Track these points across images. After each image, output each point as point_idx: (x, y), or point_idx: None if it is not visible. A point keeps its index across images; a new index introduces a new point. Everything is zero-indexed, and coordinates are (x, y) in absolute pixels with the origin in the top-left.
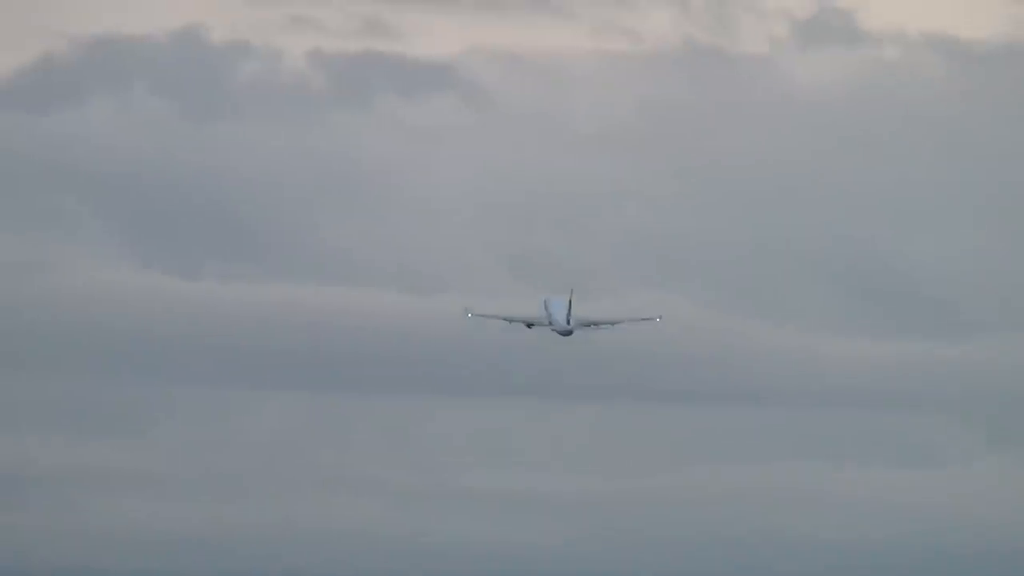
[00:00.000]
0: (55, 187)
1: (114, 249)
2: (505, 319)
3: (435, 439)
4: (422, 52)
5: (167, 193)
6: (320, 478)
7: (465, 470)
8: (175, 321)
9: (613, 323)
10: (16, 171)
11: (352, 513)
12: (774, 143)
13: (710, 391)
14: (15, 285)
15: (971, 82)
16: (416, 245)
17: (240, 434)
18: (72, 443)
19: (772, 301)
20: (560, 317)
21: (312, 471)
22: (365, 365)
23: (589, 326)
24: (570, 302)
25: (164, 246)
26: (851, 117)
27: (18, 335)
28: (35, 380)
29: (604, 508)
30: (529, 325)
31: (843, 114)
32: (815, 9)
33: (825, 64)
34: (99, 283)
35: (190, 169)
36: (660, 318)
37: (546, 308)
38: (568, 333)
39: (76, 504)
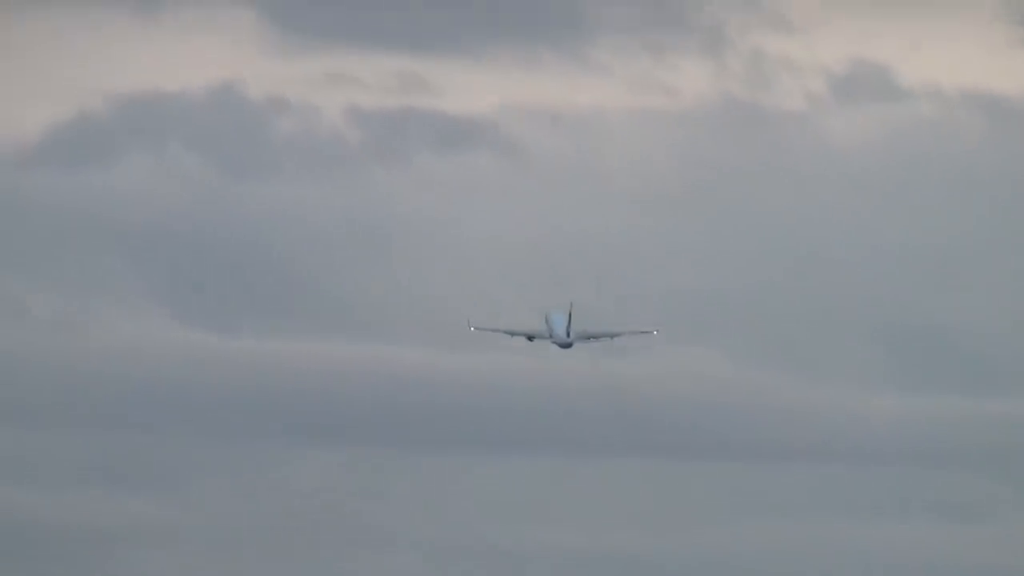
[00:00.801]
0: (91, 243)
1: (150, 305)
2: (507, 332)
3: (470, 495)
4: (459, 108)
5: (203, 249)
6: (355, 534)
7: (498, 526)
8: (211, 377)
9: (612, 336)
10: (52, 227)
11: (386, 569)
12: (811, 199)
13: (747, 447)
14: (52, 341)
15: (1008, 138)
16: (453, 300)
17: (276, 490)
18: (110, 498)
19: (809, 357)
20: (560, 330)
21: (348, 527)
22: (401, 420)
23: (588, 339)
24: (570, 315)
25: (200, 302)
26: (888, 173)
27: (55, 390)
28: (72, 436)
29: (642, 565)
30: (530, 338)
31: (880, 170)
32: (851, 65)
33: (861, 120)
34: (135, 339)
35: (227, 225)
36: (657, 331)
37: (547, 322)
38: (568, 346)
39: (114, 558)
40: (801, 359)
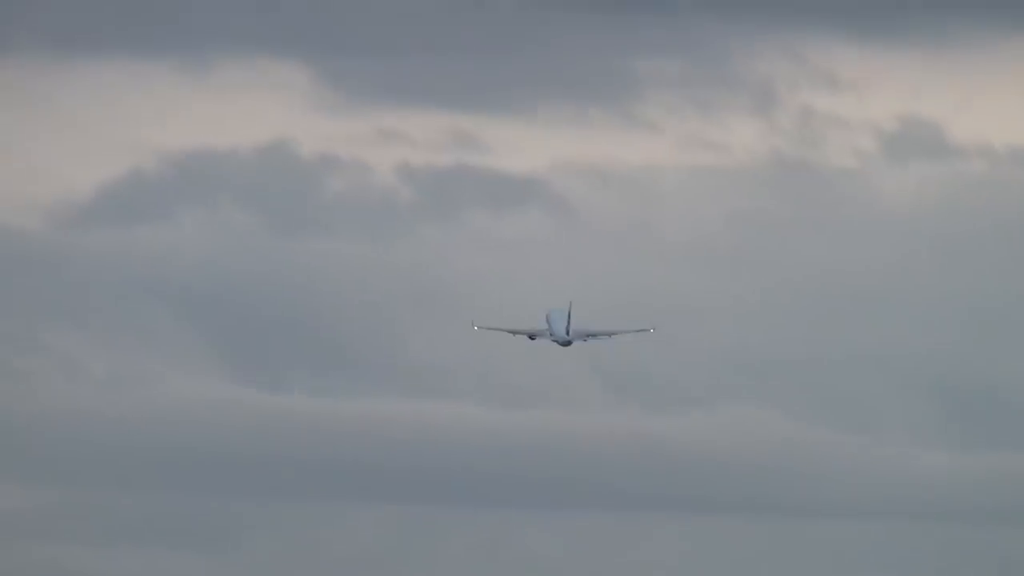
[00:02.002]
0: (143, 301)
1: (201, 363)
2: (509, 331)
3: (521, 552)
4: (509, 165)
5: (255, 307)
6: None
7: None
8: (263, 435)
9: (610, 334)
10: (104, 285)
11: None
12: (862, 256)
13: (800, 504)
14: (103, 399)
15: None
16: (505, 359)
17: (328, 548)
18: (162, 557)
19: (861, 414)
20: (560, 329)
21: None
22: (452, 479)
23: (587, 338)
24: (569, 314)
25: (252, 360)
26: (938, 230)
27: (107, 448)
28: (124, 494)
29: None
30: (532, 337)
31: (930, 227)
32: (901, 122)
33: (912, 177)
34: (186, 397)
35: (278, 283)
36: (653, 330)
37: (547, 321)
38: (567, 343)
39: None
40: (853, 416)
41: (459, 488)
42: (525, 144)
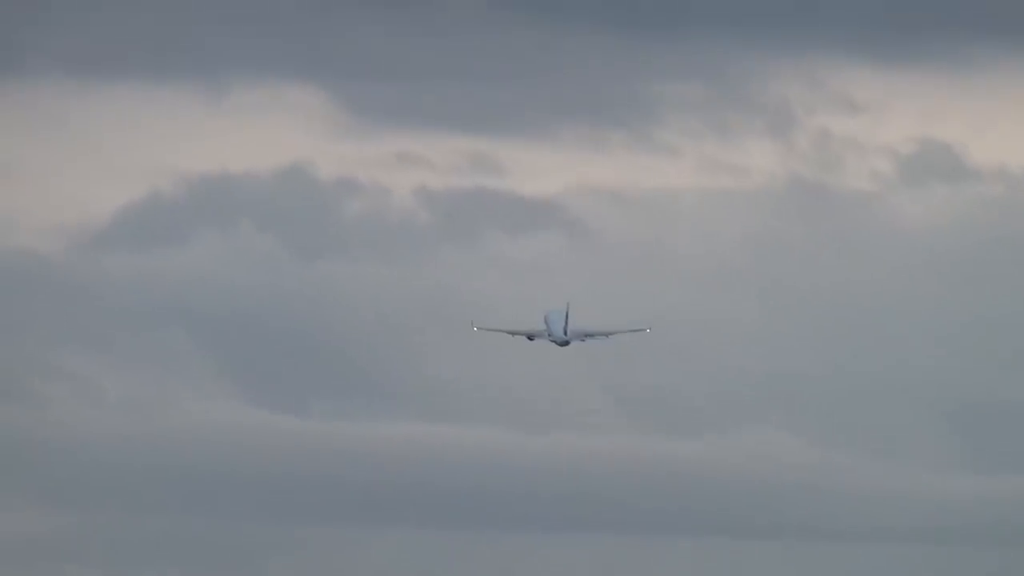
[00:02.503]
0: (162, 325)
1: (222, 387)
2: (509, 332)
3: (541, 574)
4: (527, 188)
5: (274, 330)
6: None
7: None
8: (284, 458)
9: (607, 334)
10: (122, 309)
11: None
12: (879, 279)
13: (817, 528)
14: (123, 424)
15: None
16: (524, 381)
17: (351, 572)
18: None
19: (879, 438)
20: (557, 329)
21: None
22: (475, 502)
23: (584, 338)
24: (567, 315)
25: (270, 383)
26: (956, 252)
27: (128, 473)
28: (145, 518)
29: None
30: (530, 337)
31: (948, 250)
32: (918, 145)
33: (929, 200)
34: (207, 421)
35: (297, 306)
36: (649, 329)
37: (546, 322)
38: (565, 343)
39: None
40: (870, 440)
41: (477, 510)
42: (543, 167)
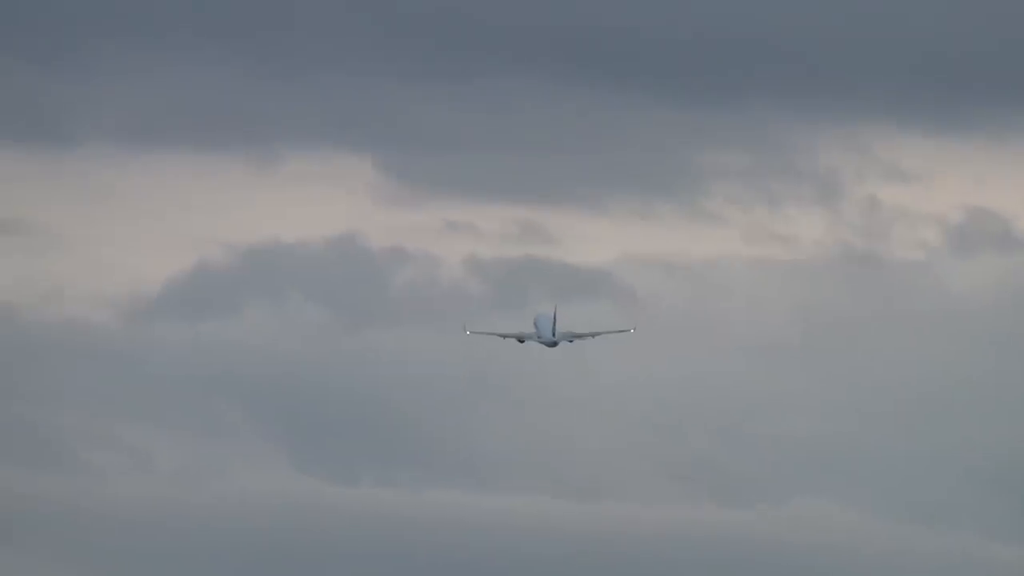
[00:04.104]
0: (211, 394)
1: (271, 455)
2: (500, 335)
3: None
4: (577, 258)
5: (324, 399)
6: None
7: None
8: (333, 526)
9: (593, 335)
10: (172, 379)
11: None
12: (929, 349)
13: None
14: (172, 492)
15: None
16: (573, 451)
17: None
18: None
19: (930, 506)
20: (546, 331)
21: None
22: (524, 570)
23: (572, 339)
24: (554, 318)
25: (321, 452)
26: (1006, 322)
27: (179, 542)
28: None
29: None
30: (521, 340)
31: (997, 319)
32: (967, 214)
33: (978, 269)
34: (256, 489)
35: (346, 375)
36: (633, 329)
37: (535, 325)
38: (554, 344)
39: None
40: (922, 508)
41: None
42: (593, 236)
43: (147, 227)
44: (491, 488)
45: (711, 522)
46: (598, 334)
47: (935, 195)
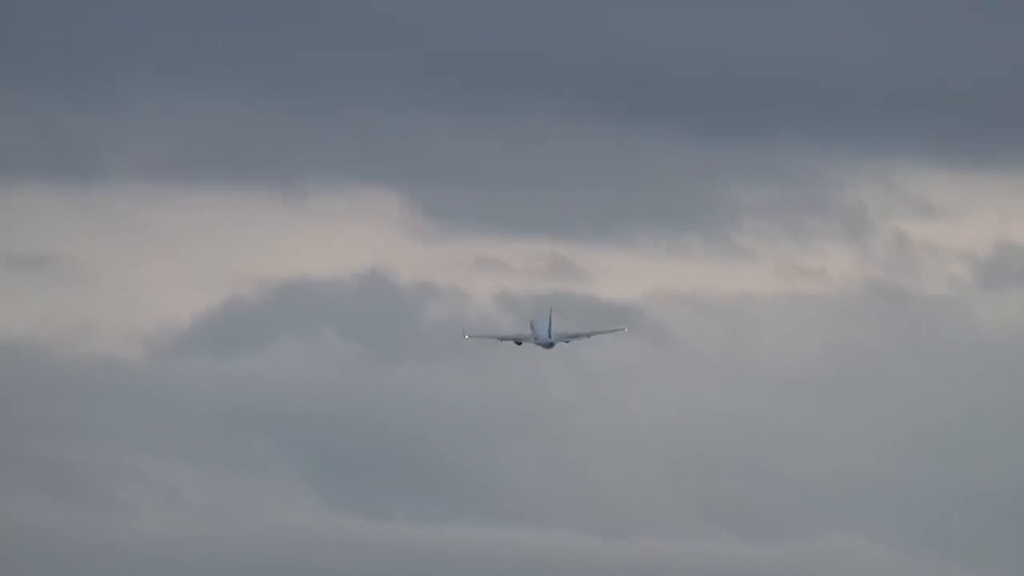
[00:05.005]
0: (242, 430)
1: (301, 491)
2: (498, 338)
3: None
4: (606, 293)
5: (353, 434)
6: None
7: None
8: (365, 562)
9: (589, 335)
10: (204, 414)
11: None
12: (958, 383)
13: None
14: (204, 529)
15: None
16: (602, 487)
17: None
18: None
19: (963, 544)
20: (542, 332)
21: None
22: None
23: (568, 340)
24: (550, 320)
25: (351, 487)
26: None
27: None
28: None
29: None
30: (518, 342)
31: None
32: (995, 248)
33: (1007, 304)
34: (287, 525)
35: (377, 411)
36: (627, 329)
37: (532, 327)
38: (550, 346)
39: None
40: (955, 545)
41: None
42: (622, 272)
43: (175, 263)
44: (520, 523)
45: (740, 558)
46: (593, 334)
47: (963, 230)
